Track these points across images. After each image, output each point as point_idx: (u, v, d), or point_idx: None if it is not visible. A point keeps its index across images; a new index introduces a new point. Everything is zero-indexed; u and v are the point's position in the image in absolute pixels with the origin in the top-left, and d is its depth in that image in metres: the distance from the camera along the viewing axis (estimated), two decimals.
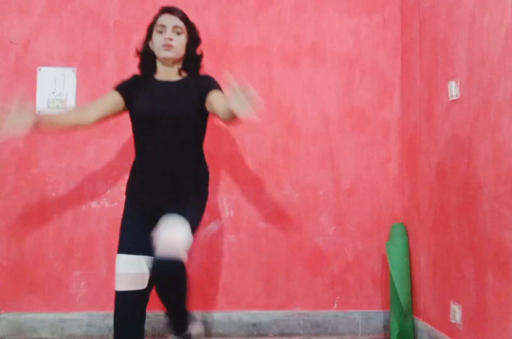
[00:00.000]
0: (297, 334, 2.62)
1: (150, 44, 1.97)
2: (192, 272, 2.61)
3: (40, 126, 1.72)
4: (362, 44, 2.75)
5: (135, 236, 1.81)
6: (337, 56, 2.74)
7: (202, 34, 2.65)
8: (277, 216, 2.66)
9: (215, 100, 1.79)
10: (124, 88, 1.95)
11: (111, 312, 2.56)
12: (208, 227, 2.62)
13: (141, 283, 1.78)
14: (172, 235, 1.62)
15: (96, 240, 2.60)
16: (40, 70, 2.64)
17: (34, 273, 2.57)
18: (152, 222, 1.78)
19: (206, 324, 2.57)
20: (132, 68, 2.65)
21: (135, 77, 2.04)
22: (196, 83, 1.93)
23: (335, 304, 2.65)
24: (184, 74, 2.00)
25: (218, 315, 2.60)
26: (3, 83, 2.62)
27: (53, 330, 2.55)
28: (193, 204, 1.84)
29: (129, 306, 1.78)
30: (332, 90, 2.72)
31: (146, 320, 2.56)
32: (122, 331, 1.79)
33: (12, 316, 2.55)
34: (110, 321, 2.56)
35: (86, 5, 2.68)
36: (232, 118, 1.63)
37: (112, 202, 2.61)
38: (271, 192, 2.67)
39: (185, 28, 1.95)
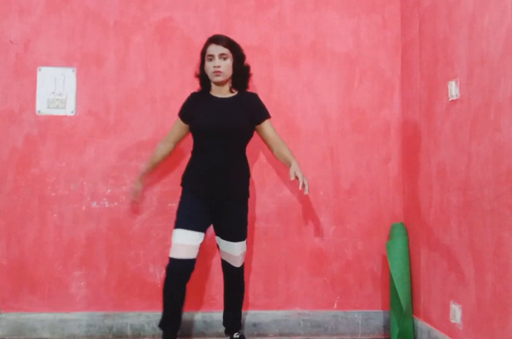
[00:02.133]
0: (297, 334, 2.62)
1: (204, 68, 2.31)
2: (192, 272, 2.61)
3: (145, 177, 2.47)
4: (362, 44, 2.75)
5: (192, 215, 2.21)
6: (337, 56, 2.74)
7: (202, 34, 2.68)
8: (277, 216, 2.66)
9: (267, 133, 2.33)
10: (186, 113, 2.33)
11: (111, 312, 2.58)
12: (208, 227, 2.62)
13: (193, 254, 2.17)
14: (238, 252, 2.30)
15: (96, 240, 2.60)
16: (40, 70, 2.64)
17: (34, 273, 2.57)
18: (208, 206, 2.24)
19: (206, 324, 2.58)
20: (132, 68, 2.67)
21: (193, 95, 2.38)
22: (247, 102, 2.33)
23: (335, 304, 2.65)
24: (234, 91, 2.35)
25: (218, 315, 2.59)
26: (3, 83, 2.62)
27: (53, 330, 2.55)
28: (244, 210, 2.33)
29: (183, 271, 2.18)
30: (332, 90, 2.72)
31: (146, 320, 2.58)
32: (172, 288, 2.20)
33: (12, 316, 2.55)
34: (110, 321, 2.57)
35: (86, 5, 2.68)
36: (282, 160, 2.31)
37: (112, 202, 2.61)
38: (271, 192, 2.67)
39: (230, 52, 2.27)
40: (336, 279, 2.66)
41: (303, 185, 2.11)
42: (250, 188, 2.62)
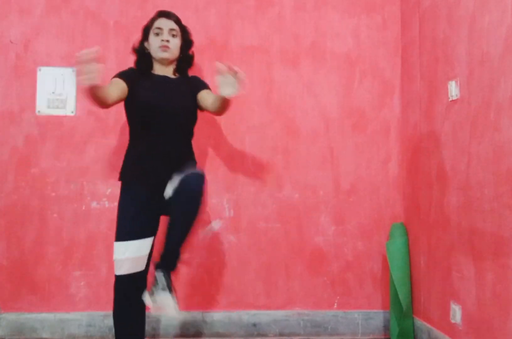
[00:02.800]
0: (297, 334, 2.62)
1: (146, 44, 2.14)
2: (192, 272, 2.62)
3: (95, 88, 1.81)
4: (362, 44, 2.75)
5: (139, 220, 1.93)
6: (337, 56, 2.74)
7: (202, 34, 2.68)
8: (277, 216, 2.66)
9: (205, 95, 2.08)
10: (127, 77, 2.05)
11: (111, 312, 2.57)
12: (209, 227, 2.62)
13: (140, 266, 1.93)
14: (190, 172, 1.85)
15: (96, 240, 2.60)
16: (40, 70, 2.64)
17: (34, 273, 2.57)
18: (153, 204, 1.96)
19: (206, 324, 2.58)
20: None
21: (132, 69, 2.15)
22: (190, 83, 2.17)
23: (335, 304, 2.65)
24: (177, 74, 2.20)
25: (218, 315, 2.60)
26: (3, 83, 2.62)
27: (53, 330, 2.55)
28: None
29: (133, 288, 1.92)
30: (332, 90, 2.72)
31: (146, 320, 2.57)
32: (127, 315, 1.94)
33: (12, 316, 2.55)
34: (110, 321, 2.56)
35: (86, 5, 2.68)
36: (221, 106, 1.92)
37: (112, 202, 2.61)
38: (271, 192, 2.67)
39: (180, 31, 2.13)
40: (336, 279, 2.66)
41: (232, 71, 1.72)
42: (252, 188, 2.63)
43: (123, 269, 1.89)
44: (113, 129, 2.64)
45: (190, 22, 2.70)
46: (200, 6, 2.72)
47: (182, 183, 1.81)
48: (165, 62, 2.13)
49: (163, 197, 1.91)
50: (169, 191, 1.88)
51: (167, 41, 2.06)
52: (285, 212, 2.67)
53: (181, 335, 2.58)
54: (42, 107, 2.63)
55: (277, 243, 2.66)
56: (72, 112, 2.64)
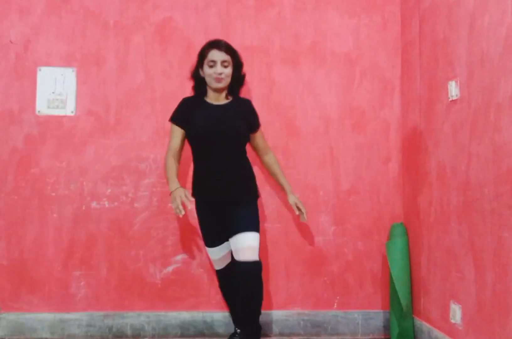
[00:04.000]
0: (297, 334, 2.62)
1: (201, 72, 2.30)
2: (192, 272, 2.62)
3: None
4: (362, 44, 2.75)
5: (212, 233, 2.33)
6: (337, 56, 2.74)
7: (202, 34, 2.68)
8: (277, 216, 2.66)
9: (258, 142, 2.43)
10: (182, 119, 2.30)
11: (111, 312, 2.58)
12: None
13: (228, 259, 2.36)
14: (248, 243, 2.16)
15: (96, 240, 2.60)
16: (40, 70, 2.64)
17: (34, 273, 2.57)
18: (221, 217, 2.28)
19: (206, 324, 2.58)
20: (132, 68, 2.66)
21: (185, 100, 2.36)
22: (243, 108, 2.36)
23: (335, 304, 2.65)
24: (229, 97, 2.36)
25: (218, 315, 2.60)
26: (3, 83, 2.62)
27: (53, 330, 2.55)
28: (253, 208, 2.30)
29: (227, 275, 2.39)
30: (332, 90, 2.72)
31: (146, 320, 2.58)
32: (226, 288, 2.44)
33: (12, 316, 2.55)
34: (110, 321, 2.57)
35: (86, 5, 2.68)
36: (272, 175, 2.52)
37: (112, 202, 2.61)
38: (271, 192, 2.67)
39: (231, 59, 2.28)
40: (336, 279, 2.66)
41: (303, 216, 2.42)
42: None
43: (218, 266, 2.39)
44: (113, 129, 2.64)
45: (190, 22, 2.71)
46: (200, 6, 2.72)
47: (239, 273, 2.16)
48: (219, 90, 2.31)
49: (224, 211, 2.27)
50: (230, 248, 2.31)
51: (221, 74, 2.23)
52: (285, 212, 2.67)
53: (181, 335, 2.59)
54: (42, 107, 2.63)
55: (277, 243, 2.66)
56: (72, 112, 2.64)
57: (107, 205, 2.62)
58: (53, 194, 2.60)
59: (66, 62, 2.65)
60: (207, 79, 2.28)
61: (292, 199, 2.43)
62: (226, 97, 2.35)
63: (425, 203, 2.40)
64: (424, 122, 2.44)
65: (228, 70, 2.26)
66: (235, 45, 2.69)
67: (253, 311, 2.22)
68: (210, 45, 2.27)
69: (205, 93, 2.34)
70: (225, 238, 2.30)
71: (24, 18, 2.66)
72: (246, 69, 2.70)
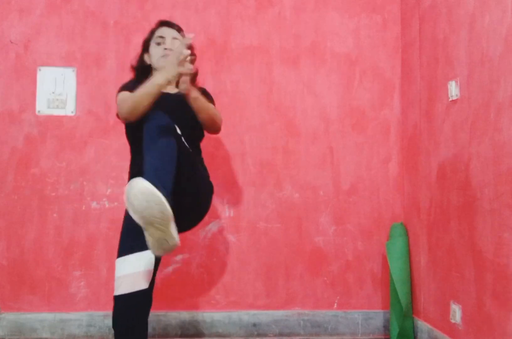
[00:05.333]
0: (297, 334, 2.62)
1: (146, 57, 2.02)
2: (192, 272, 2.62)
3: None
4: (362, 44, 2.75)
5: (133, 236, 1.75)
6: (337, 56, 2.74)
7: (202, 34, 2.67)
8: (277, 216, 2.66)
9: None
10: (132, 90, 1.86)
11: (111, 312, 2.57)
12: (208, 227, 2.62)
13: (148, 281, 1.83)
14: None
15: (96, 240, 2.60)
16: (40, 70, 2.64)
17: (34, 273, 2.57)
18: None
19: (206, 324, 2.58)
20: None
21: (133, 82, 1.97)
22: None
23: (335, 304, 2.65)
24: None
25: (218, 315, 2.60)
26: (3, 83, 2.62)
27: (53, 330, 2.55)
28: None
29: (133, 308, 1.86)
30: (332, 90, 2.72)
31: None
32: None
33: (12, 316, 2.55)
34: (110, 321, 2.55)
35: (86, 5, 2.68)
36: (205, 126, 1.92)
37: (112, 202, 2.61)
38: (271, 192, 2.67)
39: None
40: (336, 279, 2.66)
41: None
42: (252, 188, 2.63)
43: (122, 288, 1.70)
44: (113, 129, 2.64)
45: (190, 22, 2.71)
46: (200, 6, 2.72)
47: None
48: None
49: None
50: None
51: (170, 49, 1.89)
52: (285, 212, 2.67)
53: (181, 335, 2.58)
54: (42, 107, 2.63)
55: (277, 243, 2.66)
56: (72, 112, 2.64)
57: (107, 205, 2.62)
58: (53, 194, 2.60)
59: (66, 62, 2.65)
60: (155, 61, 1.94)
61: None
62: (177, 86, 1.88)
63: (425, 203, 2.40)
64: (424, 122, 2.44)
65: None
66: (235, 45, 2.71)
67: None
68: (159, 24, 2.01)
69: None
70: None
71: (24, 18, 2.65)
72: (246, 69, 2.71)
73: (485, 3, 1.87)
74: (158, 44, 1.95)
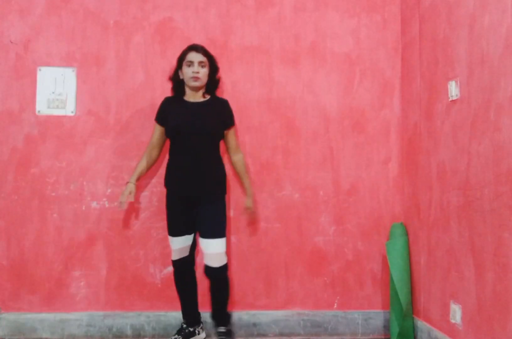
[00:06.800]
0: (297, 334, 2.62)
1: (180, 73, 2.45)
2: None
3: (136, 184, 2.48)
4: (362, 44, 2.75)
5: (179, 224, 2.40)
6: (337, 56, 2.74)
7: (202, 34, 2.68)
8: (277, 216, 2.66)
9: (230, 140, 2.51)
10: (162, 118, 2.47)
11: (111, 312, 2.58)
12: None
13: (185, 253, 2.42)
14: (214, 250, 2.33)
15: (96, 240, 2.60)
16: (40, 70, 2.64)
17: (34, 273, 2.57)
18: (189, 209, 2.38)
19: (206, 324, 2.57)
20: (132, 68, 2.67)
21: (167, 99, 2.51)
22: (218, 107, 2.47)
23: (335, 304, 2.65)
24: (206, 96, 2.48)
25: None
26: (3, 83, 2.62)
27: (53, 330, 2.55)
28: (220, 208, 2.41)
29: (181, 267, 2.45)
30: (332, 90, 2.72)
31: (146, 320, 2.58)
32: (181, 284, 2.47)
33: (12, 316, 2.55)
34: (110, 321, 2.57)
35: (86, 5, 2.68)
36: (238, 174, 2.56)
37: (112, 202, 2.61)
38: (271, 192, 2.67)
39: (207, 61, 2.43)
40: (336, 279, 2.66)
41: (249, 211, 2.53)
42: (252, 188, 2.62)
43: (175, 256, 2.42)
44: (113, 129, 2.64)
45: (190, 22, 2.71)
46: (200, 6, 2.72)
47: (209, 276, 2.36)
48: (196, 89, 2.43)
49: (193, 205, 2.37)
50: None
51: (197, 72, 2.38)
52: (285, 212, 2.67)
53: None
54: (42, 107, 2.63)
55: (277, 243, 2.66)
56: (72, 112, 2.64)
57: (107, 205, 2.62)
58: (53, 194, 2.60)
59: (66, 62, 2.65)
60: (185, 79, 2.42)
61: (248, 203, 2.51)
62: (203, 96, 2.48)
63: (425, 203, 2.40)
64: (424, 122, 2.44)
65: (204, 71, 2.41)
66: (235, 45, 2.71)
67: (225, 306, 2.44)
68: (189, 48, 2.44)
69: (183, 93, 2.48)
70: (189, 230, 2.41)
71: (24, 18, 2.66)
72: (246, 69, 2.71)
73: (485, 3, 1.87)
74: (188, 66, 2.40)
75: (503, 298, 1.73)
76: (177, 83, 2.49)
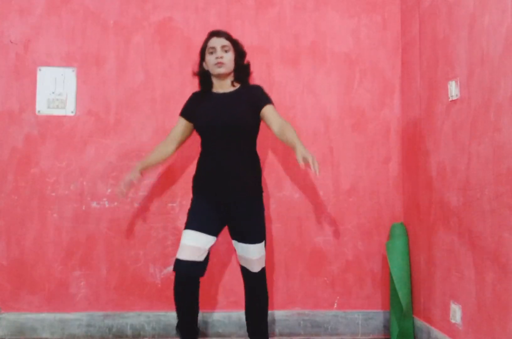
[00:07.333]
0: (297, 334, 2.62)
1: (204, 64, 2.27)
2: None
3: (141, 172, 2.25)
4: (362, 44, 2.75)
5: (202, 218, 2.14)
6: (337, 56, 2.74)
7: (202, 34, 2.67)
8: (277, 216, 2.66)
9: (268, 116, 2.16)
10: (187, 112, 2.29)
11: (111, 312, 2.58)
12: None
13: (199, 256, 2.09)
14: (255, 256, 2.14)
15: (96, 240, 2.60)
16: (40, 70, 2.64)
17: (34, 273, 2.57)
18: (217, 210, 2.15)
19: (206, 324, 2.58)
20: (132, 68, 2.66)
21: (194, 94, 2.33)
22: (249, 93, 2.23)
23: (335, 304, 2.65)
24: (236, 85, 2.27)
25: (218, 315, 2.60)
26: (3, 83, 2.62)
27: (53, 330, 2.55)
28: (259, 211, 2.19)
29: (187, 275, 2.09)
30: (332, 90, 2.72)
31: (146, 320, 2.58)
32: (179, 290, 2.10)
33: (12, 316, 2.55)
34: (110, 321, 2.57)
35: (86, 5, 2.68)
36: (286, 143, 2.06)
37: (112, 202, 2.61)
38: (271, 192, 2.67)
39: (231, 45, 2.24)
40: (336, 279, 2.66)
41: (314, 166, 1.85)
42: None
43: (183, 254, 2.07)
44: (113, 129, 2.65)
45: (190, 22, 2.71)
46: (200, 6, 2.72)
47: (248, 282, 2.22)
48: (222, 76, 2.23)
49: (226, 208, 2.15)
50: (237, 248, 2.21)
51: (221, 57, 2.18)
52: (285, 212, 2.67)
53: None
54: (42, 107, 2.63)
55: (277, 243, 2.66)
56: (72, 112, 2.64)
57: (107, 205, 2.62)
58: (53, 194, 2.60)
59: (66, 62, 2.65)
60: (210, 68, 2.22)
61: (298, 151, 1.91)
62: (232, 85, 2.26)
63: (425, 203, 2.40)
64: (424, 122, 2.44)
65: (229, 55, 2.20)
66: None
67: (265, 316, 2.26)
68: (210, 35, 2.26)
69: (211, 85, 2.28)
70: (212, 230, 2.13)
71: (24, 18, 2.66)
72: None
73: (485, 3, 1.87)
74: (211, 53, 2.21)
75: (503, 298, 1.73)
76: (203, 76, 2.28)
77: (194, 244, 2.07)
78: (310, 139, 2.70)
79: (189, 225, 2.12)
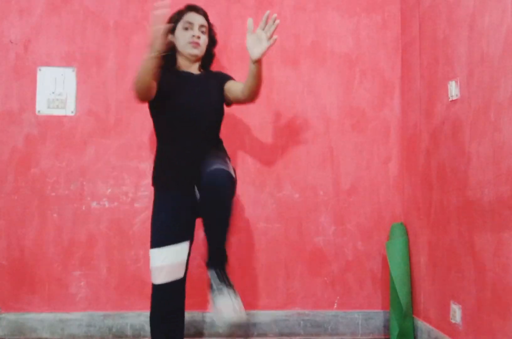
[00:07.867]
0: (297, 334, 2.62)
1: (171, 37, 1.99)
2: (192, 272, 2.61)
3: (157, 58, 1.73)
4: (362, 44, 2.75)
5: (171, 226, 1.84)
6: (337, 56, 2.74)
7: None
8: (277, 216, 2.66)
9: (232, 86, 2.00)
10: (162, 80, 1.90)
11: (111, 312, 2.58)
12: None
13: (178, 273, 1.83)
14: (219, 166, 1.71)
15: (96, 240, 2.60)
16: (40, 70, 2.64)
17: (34, 273, 2.57)
18: (186, 206, 1.88)
19: (206, 324, 2.58)
20: (132, 68, 2.66)
21: (164, 68, 1.94)
22: (215, 77, 2.09)
23: (335, 304, 2.65)
24: (201, 70, 2.12)
25: None
26: (3, 83, 2.62)
27: (53, 330, 2.55)
28: (221, 151, 1.97)
29: (171, 303, 1.84)
30: (332, 90, 2.72)
31: (146, 320, 2.55)
32: (168, 331, 1.88)
33: (12, 316, 2.55)
34: (110, 321, 2.57)
35: (86, 5, 2.68)
36: (254, 81, 1.84)
37: (112, 202, 2.61)
38: (271, 192, 2.67)
39: (207, 29, 2.06)
40: (336, 279, 2.66)
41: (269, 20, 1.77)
42: (252, 188, 2.62)
43: (160, 277, 1.78)
44: (113, 129, 2.64)
45: None
46: (200, 6, 2.71)
47: (205, 180, 1.67)
48: (193, 58, 2.02)
49: (196, 199, 1.87)
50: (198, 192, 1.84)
51: (198, 37, 1.96)
52: (285, 212, 2.67)
53: None
54: (42, 107, 2.63)
55: (277, 243, 2.66)
56: (72, 112, 2.64)
57: (107, 205, 2.62)
58: (53, 194, 2.60)
59: (66, 62, 2.65)
60: (181, 45, 1.97)
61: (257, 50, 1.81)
62: (199, 70, 2.09)
63: (425, 203, 2.40)
64: (424, 122, 2.44)
65: (204, 38, 2.00)
66: (235, 45, 2.71)
67: (225, 233, 1.75)
68: (187, 8, 2.02)
69: (173, 62, 2.00)
70: (185, 237, 1.85)
71: (24, 18, 2.65)
72: (245, 69, 2.69)
73: (485, 3, 1.87)
74: (186, 29, 1.96)
75: (503, 298, 1.73)
76: (171, 50, 1.97)
77: (170, 262, 1.78)
78: (310, 139, 2.70)
79: (157, 243, 1.81)
